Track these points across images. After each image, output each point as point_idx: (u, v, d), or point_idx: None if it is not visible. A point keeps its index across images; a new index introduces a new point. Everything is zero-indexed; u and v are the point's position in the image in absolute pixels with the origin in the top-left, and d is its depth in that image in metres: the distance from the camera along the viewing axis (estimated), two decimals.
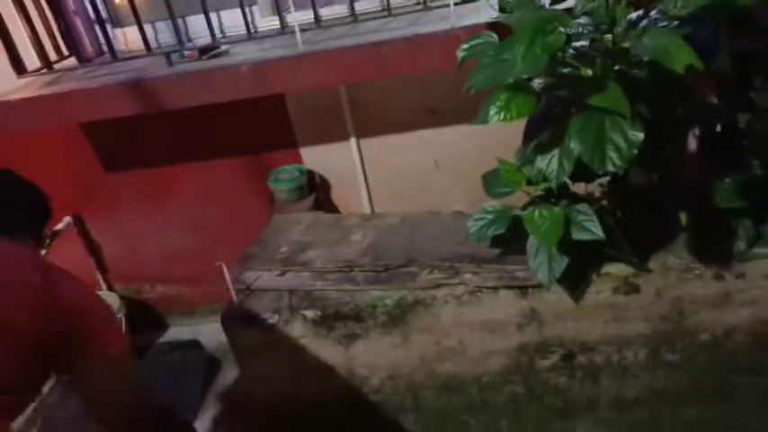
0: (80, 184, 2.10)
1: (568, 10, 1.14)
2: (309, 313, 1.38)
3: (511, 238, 1.30)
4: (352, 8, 1.64)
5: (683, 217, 1.32)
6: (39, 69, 1.75)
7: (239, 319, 1.41)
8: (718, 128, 1.38)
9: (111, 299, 2.23)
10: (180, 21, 1.83)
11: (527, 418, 1.44)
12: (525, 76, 0.85)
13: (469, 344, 1.37)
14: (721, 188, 1.19)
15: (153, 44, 1.78)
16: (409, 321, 1.36)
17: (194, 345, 2.23)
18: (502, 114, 0.87)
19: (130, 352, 1.16)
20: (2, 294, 0.96)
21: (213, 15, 1.85)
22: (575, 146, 0.83)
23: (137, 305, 2.35)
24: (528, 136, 0.98)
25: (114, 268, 2.32)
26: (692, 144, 1.40)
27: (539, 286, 1.27)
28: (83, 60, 1.85)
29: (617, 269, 1.28)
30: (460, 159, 1.95)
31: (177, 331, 2.41)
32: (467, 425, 1.47)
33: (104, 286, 2.36)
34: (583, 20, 0.90)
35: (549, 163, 0.93)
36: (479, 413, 1.45)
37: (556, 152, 0.91)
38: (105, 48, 1.79)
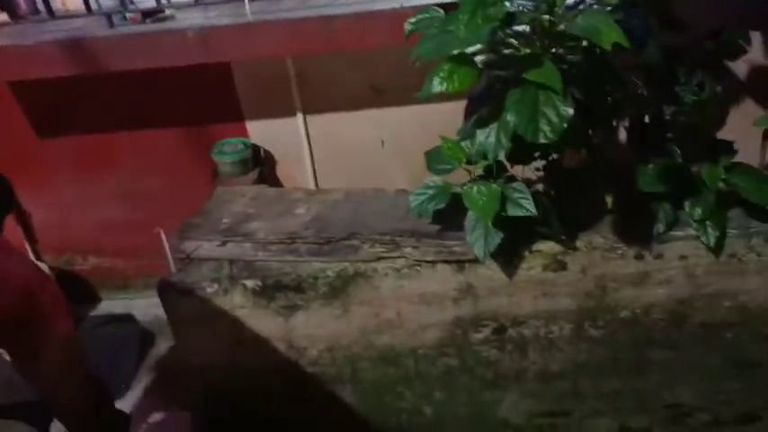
0: (9, 148, 2.00)
1: None
2: (250, 283, 1.38)
3: (450, 215, 1.34)
4: None
5: (610, 199, 1.40)
6: None
7: (177, 288, 1.39)
8: (646, 118, 1.48)
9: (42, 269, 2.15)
10: None
11: (459, 390, 1.50)
12: (468, 50, 0.89)
13: (407, 316, 1.41)
14: (645, 173, 1.27)
15: (93, 6, 1.71)
16: (350, 293, 1.38)
17: (128, 318, 2.18)
18: (445, 85, 0.90)
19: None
20: None
21: None
22: (511, 118, 0.88)
23: (68, 277, 2.27)
24: (469, 112, 1.02)
25: (44, 238, 2.22)
26: (622, 130, 1.49)
27: (475, 261, 1.32)
28: (16, 17, 1.76)
29: (547, 247, 1.34)
30: (405, 139, 1.99)
31: (110, 305, 2.34)
32: (402, 396, 1.52)
33: (32, 257, 2.26)
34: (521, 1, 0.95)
35: (488, 136, 0.97)
36: (414, 384, 1.50)
37: (494, 126, 0.96)
38: (41, 5, 1.71)
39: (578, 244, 1.34)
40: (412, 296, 1.38)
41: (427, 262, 1.35)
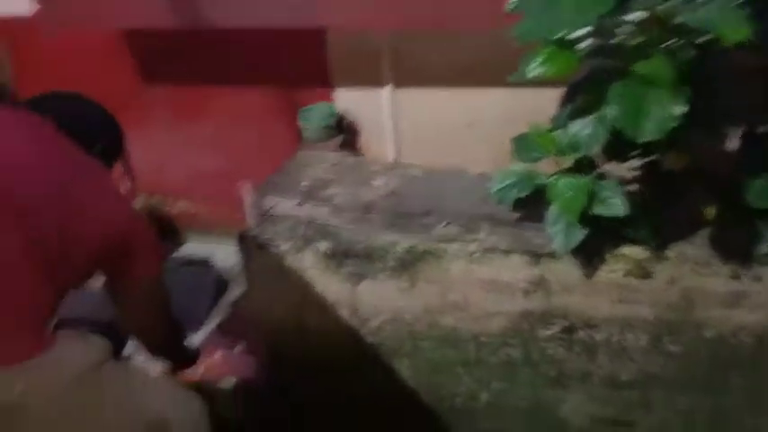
0: (117, 91, 2.12)
1: None
2: (322, 246, 1.40)
3: (532, 204, 1.29)
4: None
5: (710, 210, 1.29)
6: None
7: (254, 241, 1.44)
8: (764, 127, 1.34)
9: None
10: None
11: (519, 382, 1.46)
12: (571, 35, 0.83)
13: (474, 302, 1.39)
14: (755, 186, 1.16)
15: None
16: (418, 270, 1.37)
17: (207, 264, 2.28)
18: (542, 69, 0.85)
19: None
20: (98, 201, 1.03)
21: None
22: (612, 111, 0.82)
23: (156, 218, 2.40)
24: (566, 100, 0.96)
25: (140, 178, 2.36)
26: (733, 137, 1.36)
27: (552, 255, 1.27)
28: None
29: (633, 251, 1.27)
30: (493, 122, 1.91)
31: (193, 248, 2.46)
32: (459, 379, 1.50)
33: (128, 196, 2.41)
34: None
35: (584, 128, 0.91)
36: (473, 370, 1.48)
37: (592, 118, 0.90)
38: None
39: (668, 253, 1.25)
40: (481, 282, 1.36)
41: (501, 250, 1.31)
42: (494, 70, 1.71)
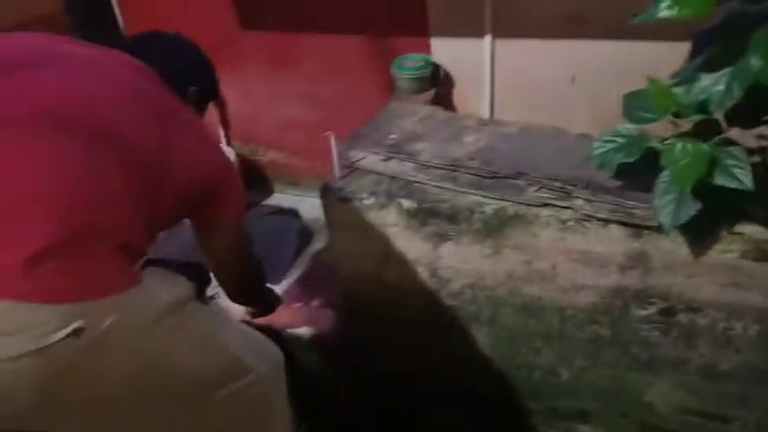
0: (214, 36, 2.15)
1: None
2: (406, 203, 1.35)
3: (638, 171, 1.17)
4: None
5: None
6: None
7: (337, 194, 1.42)
8: None
9: (229, 155, 2.35)
10: None
11: (604, 362, 1.37)
12: None
13: (562, 272, 1.30)
14: None
15: None
16: (505, 234, 1.30)
17: (293, 213, 2.32)
18: (676, 9, 0.73)
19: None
20: (189, 145, 1.07)
21: None
22: (755, 62, 0.69)
23: (248, 165, 2.47)
24: (695, 50, 0.83)
25: (235, 125, 2.42)
26: None
27: (656, 229, 1.15)
28: None
29: (753, 230, 1.12)
30: (600, 79, 1.76)
31: (280, 198, 2.51)
32: (540, 352, 1.43)
33: (224, 141, 2.48)
34: None
35: (715, 83, 0.78)
36: (555, 344, 1.40)
37: (727, 71, 0.77)
38: None
39: None
40: (573, 252, 1.26)
41: (598, 219, 1.21)
42: (602, 19, 1.56)
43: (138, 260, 1.00)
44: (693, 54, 0.83)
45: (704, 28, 0.79)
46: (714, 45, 0.78)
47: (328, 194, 1.44)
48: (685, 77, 0.85)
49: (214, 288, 1.29)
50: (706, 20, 0.92)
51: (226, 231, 1.20)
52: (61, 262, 0.78)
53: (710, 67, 0.79)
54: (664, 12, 0.73)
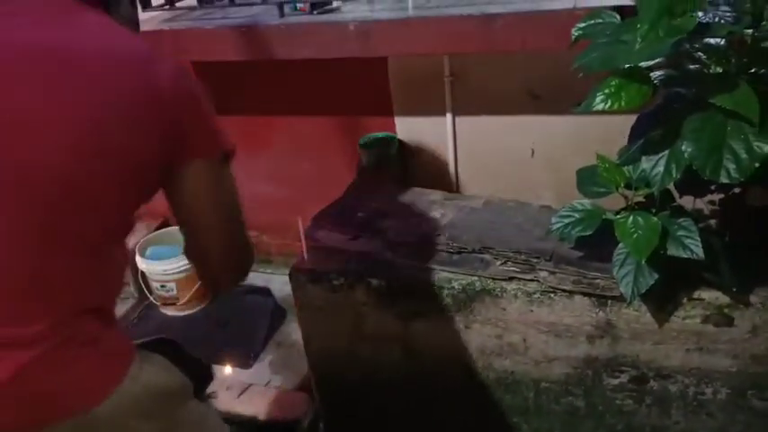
0: None
1: None
2: (374, 282, 1.36)
3: (597, 242, 1.21)
4: None
5: None
6: (162, 5, 1.83)
7: (306, 275, 1.43)
8: None
9: None
10: None
11: None
12: (643, 63, 0.76)
13: (533, 345, 1.30)
14: None
15: None
16: (474, 309, 1.31)
17: (265, 292, 2.30)
18: (609, 102, 0.79)
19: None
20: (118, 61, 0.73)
21: None
22: (687, 148, 0.74)
23: None
24: (636, 132, 0.89)
25: None
26: None
27: (619, 298, 1.17)
28: (202, 1, 1.91)
29: (711, 296, 1.15)
30: (558, 151, 1.84)
31: (252, 276, 2.48)
32: (517, 427, 1.41)
33: None
34: (722, 7, 0.79)
35: (654, 165, 0.83)
36: (532, 418, 1.39)
37: (665, 153, 0.82)
38: None
39: (752, 299, 1.13)
40: (542, 324, 1.27)
41: (563, 291, 1.23)
42: (560, 95, 1.64)
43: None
44: (634, 136, 0.89)
45: (644, 111, 0.84)
46: (653, 128, 0.84)
47: (297, 276, 1.44)
48: (629, 158, 0.90)
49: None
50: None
51: (203, 179, 0.80)
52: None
53: (650, 149, 0.84)
54: (599, 105, 0.78)
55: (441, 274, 1.33)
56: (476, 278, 1.30)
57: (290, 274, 1.45)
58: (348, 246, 1.45)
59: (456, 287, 1.31)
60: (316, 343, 1.53)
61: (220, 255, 0.87)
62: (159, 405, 0.79)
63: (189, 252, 0.88)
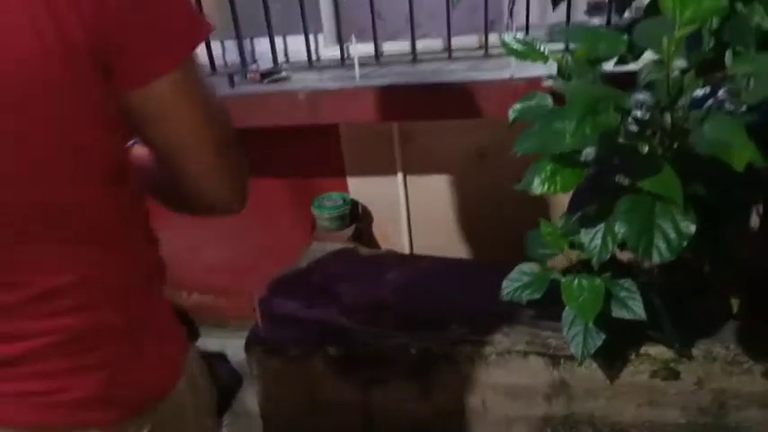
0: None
1: (633, 74, 1.10)
2: (331, 350, 1.35)
3: (547, 302, 1.24)
4: (413, 47, 1.64)
5: (736, 303, 1.23)
6: None
7: (262, 346, 1.40)
8: None
9: None
10: (248, 41, 1.88)
11: None
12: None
13: (492, 407, 1.31)
14: None
15: (221, 60, 1.82)
16: (432, 374, 1.32)
17: (221, 358, 2.24)
18: (546, 186, 0.83)
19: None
20: None
21: (279, 39, 1.90)
22: (620, 229, 0.79)
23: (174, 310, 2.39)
24: (573, 206, 0.93)
25: None
26: (754, 225, 1.31)
27: (572, 357, 1.21)
28: None
29: (657, 351, 1.20)
30: (507, 207, 1.90)
31: (207, 341, 2.43)
32: None
33: None
34: (642, 95, 0.86)
35: (592, 238, 0.88)
36: None
37: (601, 228, 0.87)
38: None
39: (695, 352, 1.18)
40: (499, 386, 1.29)
41: (518, 352, 1.25)
42: (507, 154, 1.71)
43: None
44: (572, 208, 0.94)
45: (579, 187, 0.90)
46: (588, 203, 0.89)
47: (253, 347, 1.42)
48: (568, 230, 0.94)
49: None
50: None
51: (167, 98, 0.58)
52: None
53: (587, 222, 0.89)
54: (537, 189, 0.83)
55: (397, 340, 1.33)
56: (432, 343, 1.31)
57: (245, 347, 1.42)
58: (303, 313, 1.44)
59: (413, 352, 1.31)
60: (273, 412, 1.50)
61: (210, 175, 0.66)
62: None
63: (174, 189, 0.67)
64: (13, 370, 0.61)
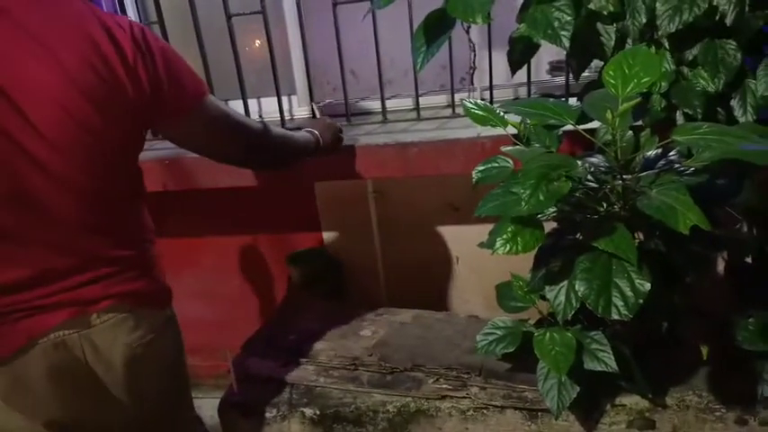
0: None
1: (594, 131, 1.16)
2: (308, 411, 1.34)
3: (522, 353, 1.25)
4: (384, 108, 1.69)
5: (705, 350, 1.25)
6: None
7: (236, 409, 1.38)
8: (747, 259, 1.34)
9: None
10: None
11: None
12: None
13: None
14: (745, 328, 1.13)
15: None
16: (411, 431, 1.30)
17: (195, 420, 2.18)
18: (508, 246, 0.86)
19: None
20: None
21: (254, 101, 1.94)
22: (579, 287, 0.81)
23: None
24: (537, 263, 0.96)
25: None
26: (717, 275, 1.35)
27: (549, 410, 1.21)
28: None
29: (632, 401, 1.21)
30: (481, 259, 1.93)
31: None
32: None
33: None
34: (596, 159, 0.90)
35: (556, 295, 0.90)
36: None
37: (564, 285, 0.89)
38: None
39: (668, 401, 1.20)
40: None
41: (495, 406, 1.25)
42: (476, 207, 1.76)
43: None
44: (537, 265, 0.97)
45: (543, 244, 0.93)
46: (551, 261, 0.92)
47: (227, 410, 1.40)
48: (536, 286, 0.97)
49: None
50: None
51: (193, 125, 1.00)
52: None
53: (551, 280, 0.92)
54: (500, 249, 0.86)
55: (375, 398, 1.33)
56: (410, 399, 1.31)
57: (218, 409, 1.40)
58: (279, 373, 1.43)
59: (391, 410, 1.31)
60: None
61: (234, 155, 1.12)
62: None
63: (213, 158, 1.12)
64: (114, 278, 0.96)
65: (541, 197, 0.73)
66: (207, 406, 2.24)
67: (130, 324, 0.98)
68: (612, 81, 0.76)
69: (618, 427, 1.22)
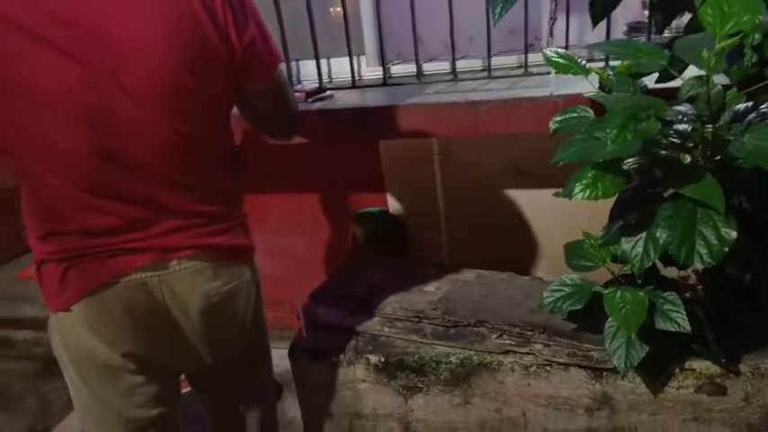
0: None
1: (675, 90, 1.11)
2: (373, 358, 1.38)
3: (588, 314, 1.25)
4: (454, 66, 1.68)
5: None
6: None
7: (305, 353, 1.45)
8: None
9: None
10: (294, 64, 1.96)
11: None
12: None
13: (533, 418, 1.32)
14: None
15: None
16: (472, 383, 1.33)
17: None
18: (587, 192, 0.85)
19: None
20: None
21: (324, 62, 1.97)
22: (661, 235, 0.80)
23: None
24: (615, 215, 0.95)
25: None
26: None
27: (614, 370, 1.20)
28: None
29: (702, 366, 1.19)
30: (546, 223, 1.91)
31: None
32: None
33: None
34: (684, 107, 0.87)
35: (633, 246, 0.89)
36: None
37: (642, 236, 0.88)
38: None
39: (742, 368, 1.17)
40: (539, 397, 1.29)
41: (559, 363, 1.26)
42: (546, 170, 1.74)
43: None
44: (614, 217, 0.95)
45: (621, 195, 0.91)
46: (630, 211, 0.90)
47: (296, 354, 1.46)
48: (609, 240, 0.96)
49: None
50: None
51: (266, 90, 1.05)
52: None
53: (628, 231, 0.90)
54: (578, 195, 0.85)
55: (438, 349, 1.36)
56: (473, 352, 1.33)
57: (289, 353, 1.47)
58: (346, 322, 1.48)
59: (453, 361, 1.33)
60: (315, 420, 1.53)
61: (276, 124, 1.19)
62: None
63: (251, 121, 1.16)
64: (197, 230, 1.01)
65: (629, 136, 0.72)
66: (274, 356, 2.35)
67: (209, 274, 1.02)
68: (711, 19, 0.73)
69: (686, 392, 1.20)
